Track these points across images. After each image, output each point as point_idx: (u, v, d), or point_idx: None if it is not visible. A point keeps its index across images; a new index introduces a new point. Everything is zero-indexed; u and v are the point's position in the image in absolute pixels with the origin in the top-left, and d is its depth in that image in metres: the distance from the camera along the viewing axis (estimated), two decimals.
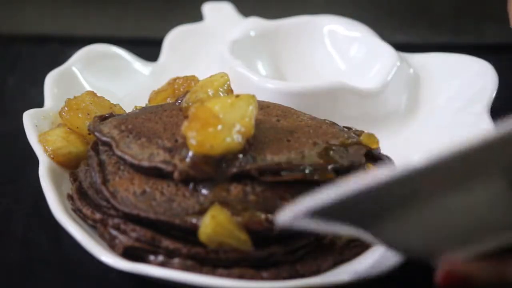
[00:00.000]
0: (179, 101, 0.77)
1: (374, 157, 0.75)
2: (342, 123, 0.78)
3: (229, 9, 1.01)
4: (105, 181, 0.70)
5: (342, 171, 0.70)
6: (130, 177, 0.70)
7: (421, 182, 0.54)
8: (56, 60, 0.90)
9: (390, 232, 0.56)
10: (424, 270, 0.71)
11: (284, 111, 0.77)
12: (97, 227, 0.70)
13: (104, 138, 0.73)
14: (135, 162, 0.70)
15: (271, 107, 0.78)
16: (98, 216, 0.70)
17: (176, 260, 0.67)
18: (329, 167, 0.70)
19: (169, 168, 0.68)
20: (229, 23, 0.98)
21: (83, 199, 0.72)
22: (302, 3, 1.14)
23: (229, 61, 0.90)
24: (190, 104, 0.73)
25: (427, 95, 0.89)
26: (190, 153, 0.68)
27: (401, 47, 0.92)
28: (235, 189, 0.68)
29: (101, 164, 0.72)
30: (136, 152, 0.70)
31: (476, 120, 0.80)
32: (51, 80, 0.85)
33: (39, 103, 0.83)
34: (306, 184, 0.69)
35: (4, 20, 1.12)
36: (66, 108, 0.79)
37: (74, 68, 0.88)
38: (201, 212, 0.66)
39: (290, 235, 0.67)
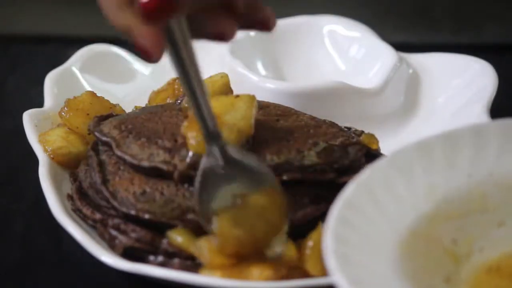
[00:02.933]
0: (179, 101, 0.77)
1: (374, 157, 0.75)
2: (342, 123, 0.78)
3: None
4: (105, 181, 0.70)
5: (342, 171, 0.70)
6: (130, 177, 0.70)
7: None
8: (56, 60, 0.90)
9: None
10: None
11: (284, 111, 0.77)
12: (97, 227, 0.70)
13: (104, 138, 0.73)
14: (135, 162, 0.70)
15: (271, 107, 0.77)
16: (98, 216, 0.70)
17: (176, 260, 0.67)
18: (329, 167, 0.70)
19: (169, 168, 0.68)
20: None
21: (83, 199, 0.72)
22: (302, 3, 1.14)
23: (229, 61, 0.90)
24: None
25: (426, 95, 0.89)
26: (190, 153, 0.68)
27: (401, 47, 0.92)
28: None
29: (101, 164, 0.72)
30: (136, 152, 0.70)
31: (476, 120, 0.80)
32: (51, 80, 0.85)
33: (39, 103, 0.83)
34: (306, 184, 0.69)
35: (4, 20, 1.12)
36: (66, 108, 0.79)
37: (74, 68, 0.88)
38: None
39: (290, 235, 0.67)
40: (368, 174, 0.60)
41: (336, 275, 0.52)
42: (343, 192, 0.58)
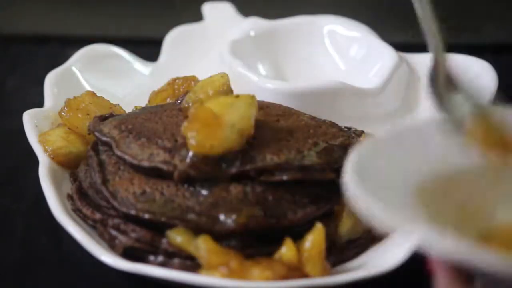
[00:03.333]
0: (179, 101, 0.77)
1: None
2: (342, 123, 0.78)
3: (229, 9, 1.01)
4: (105, 181, 0.70)
5: (342, 171, 0.70)
6: (130, 177, 0.70)
7: None
8: (56, 60, 0.90)
9: None
10: (423, 270, 0.71)
11: (284, 111, 0.77)
12: (97, 227, 0.70)
13: (104, 138, 0.73)
14: (135, 162, 0.70)
15: (271, 107, 0.78)
16: (98, 216, 0.70)
17: (176, 260, 0.67)
18: (329, 167, 0.70)
19: (169, 168, 0.68)
20: (229, 23, 0.98)
21: (83, 199, 0.72)
22: (302, 3, 1.14)
23: (229, 61, 0.90)
24: (190, 104, 0.73)
25: (427, 95, 0.89)
26: (190, 153, 0.68)
27: (401, 47, 0.92)
28: (235, 189, 0.68)
29: (101, 164, 0.72)
30: (136, 152, 0.70)
31: None
32: (51, 80, 0.85)
33: (39, 103, 0.83)
34: (306, 184, 0.69)
35: (4, 20, 1.12)
36: (66, 108, 0.79)
37: (74, 68, 0.88)
38: (201, 213, 0.66)
39: (290, 235, 0.67)
40: (385, 133, 0.61)
41: (353, 189, 0.53)
42: (358, 145, 0.59)
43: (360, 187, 0.53)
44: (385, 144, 0.60)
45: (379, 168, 0.58)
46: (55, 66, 0.87)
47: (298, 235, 0.67)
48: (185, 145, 0.69)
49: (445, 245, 0.49)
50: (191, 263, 0.66)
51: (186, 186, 0.68)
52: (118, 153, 0.71)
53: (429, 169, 0.59)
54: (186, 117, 0.70)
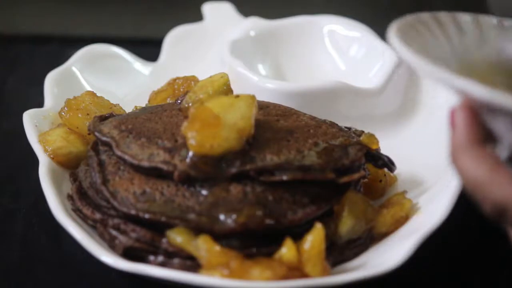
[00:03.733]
0: (179, 101, 0.77)
1: (374, 157, 0.75)
2: (342, 123, 0.78)
3: (229, 9, 1.01)
4: (105, 181, 0.70)
5: (342, 171, 0.70)
6: (130, 177, 0.70)
7: None
8: (56, 60, 0.90)
9: None
10: (423, 270, 0.71)
11: (284, 111, 0.77)
12: (97, 227, 0.70)
13: (104, 138, 0.73)
14: (135, 162, 0.70)
15: (271, 107, 0.78)
16: (98, 216, 0.70)
17: (176, 260, 0.67)
18: (329, 167, 0.70)
19: (169, 168, 0.68)
20: (229, 23, 0.98)
21: (83, 199, 0.72)
22: (302, 3, 1.14)
23: (229, 61, 0.90)
24: (190, 104, 0.73)
25: (427, 95, 0.89)
26: (190, 153, 0.68)
27: None
28: (235, 189, 0.68)
29: (101, 164, 0.72)
30: (136, 152, 0.70)
31: None
32: (51, 80, 0.85)
33: (39, 103, 0.83)
34: (306, 184, 0.69)
35: (4, 20, 1.12)
36: (66, 108, 0.79)
37: (74, 68, 0.88)
38: (201, 213, 0.66)
39: (290, 235, 0.67)
40: (428, 15, 0.62)
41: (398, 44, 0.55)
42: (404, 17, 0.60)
43: (404, 41, 0.56)
44: (430, 25, 0.61)
45: (422, 37, 0.59)
46: (55, 66, 0.87)
47: (298, 235, 0.67)
48: (185, 145, 0.69)
49: (475, 87, 0.52)
50: (191, 263, 0.66)
51: (186, 186, 0.68)
52: (118, 153, 0.71)
53: (478, 51, 0.59)
54: (186, 117, 0.70)
